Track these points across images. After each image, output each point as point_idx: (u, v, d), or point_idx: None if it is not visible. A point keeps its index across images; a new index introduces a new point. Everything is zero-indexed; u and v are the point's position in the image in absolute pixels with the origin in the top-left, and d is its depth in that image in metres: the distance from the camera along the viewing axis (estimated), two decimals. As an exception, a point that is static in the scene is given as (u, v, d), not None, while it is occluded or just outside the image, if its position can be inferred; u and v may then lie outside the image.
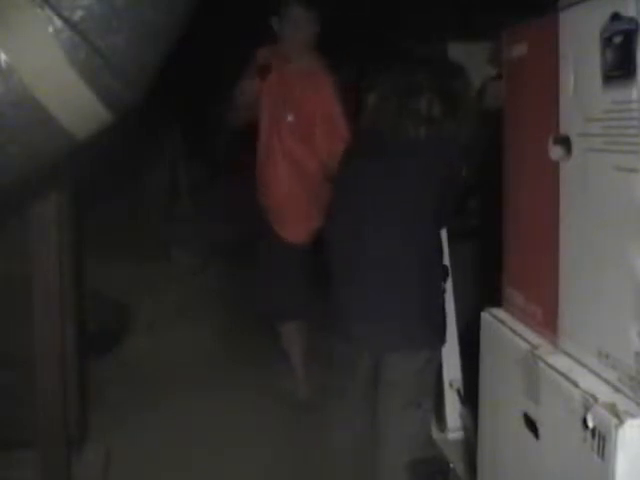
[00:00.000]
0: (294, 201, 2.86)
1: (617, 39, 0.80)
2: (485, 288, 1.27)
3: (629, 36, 0.78)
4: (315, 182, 2.81)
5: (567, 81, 0.91)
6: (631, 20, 0.77)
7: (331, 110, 2.79)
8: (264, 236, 2.95)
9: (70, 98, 1.08)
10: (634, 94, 0.78)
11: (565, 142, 0.92)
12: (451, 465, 1.95)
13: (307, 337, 2.95)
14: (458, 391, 2.07)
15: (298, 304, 2.88)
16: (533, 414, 0.97)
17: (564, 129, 0.93)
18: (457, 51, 2.21)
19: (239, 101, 2.87)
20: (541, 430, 0.95)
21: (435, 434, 2.10)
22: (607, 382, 0.85)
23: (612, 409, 0.79)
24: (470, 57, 2.20)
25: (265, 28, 2.82)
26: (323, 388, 2.42)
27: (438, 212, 1.95)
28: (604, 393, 0.82)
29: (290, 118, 2.81)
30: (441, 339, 1.97)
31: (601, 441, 0.79)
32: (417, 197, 1.90)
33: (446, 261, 2.07)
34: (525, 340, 1.03)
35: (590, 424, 0.80)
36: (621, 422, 0.76)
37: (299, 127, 2.81)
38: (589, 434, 0.81)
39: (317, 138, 2.79)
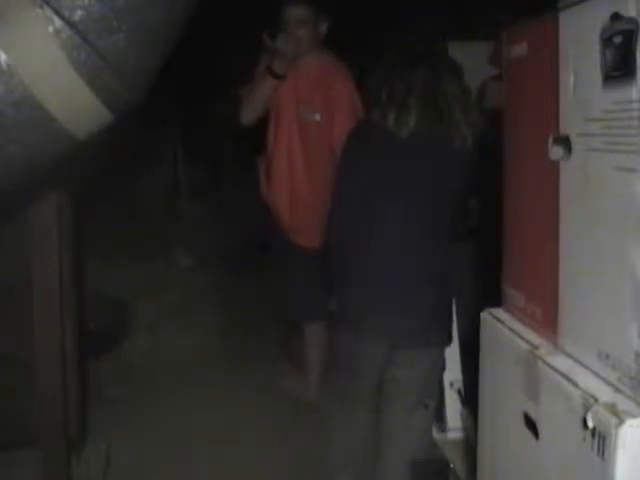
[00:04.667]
0: (313, 210, 2.74)
1: (617, 39, 0.80)
2: (485, 288, 1.27)
3: (629, 36, 0.78)
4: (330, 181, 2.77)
5: (567, 81, 0.91)
6: (631, 20, 0.77)
7: (351, 99, 2.70)
8: (277, 238, 2.93)
9: (70, 98, 1.08)
10: (634, 94, 0.78)
11: (565, 142, 0.92)
12: (451, 465, 1.95)
13: (326, 338, 2.93)
14: (459, 391, 2.08)
15: (321, 304, 2.86)
16: (533, 414, 0.97)
17: (564, 129, 0.93)
18: (457, 51, 2.21)
19: (255, 101, 2.78)
20: (541, 430, 0.95)
21: (436, 434, 2.10)
22: (607, 382, 0.85)
23: (612, 409, 0.79)
24: (470, 57, 2.19)
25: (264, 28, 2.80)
26: (328, 388, 2.42)
27: (452, 210, 1.95)
28: (604, 393, 0.82)
29: (318, 117, 2.72)
30: (449, 337, 1.98)
31: (601, 441, 0.79)
32: (436, 195, 1.90)
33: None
34: (525, 340, 1.03)
35: (590, 424, 0.80)
36: (621, 422, 0.76)
37: (326, 126, 2.70)
38: (589, 434, 0.81)
39: (333, 132, 2.67)
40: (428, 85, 1.87)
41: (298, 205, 2.82)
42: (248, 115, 2.82)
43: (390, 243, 1.90)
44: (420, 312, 1.89)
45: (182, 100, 4.33)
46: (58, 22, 1.02)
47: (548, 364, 0.94)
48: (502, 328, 1.10)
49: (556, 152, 0.95)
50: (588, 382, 0.86)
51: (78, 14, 1.02)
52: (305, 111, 2.74)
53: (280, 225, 2.89)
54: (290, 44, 2.66)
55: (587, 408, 0.81)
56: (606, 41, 0.82)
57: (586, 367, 0.89)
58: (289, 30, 2.67)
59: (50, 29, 1.02)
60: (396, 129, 1.86)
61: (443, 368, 2.05)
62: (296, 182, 2.80)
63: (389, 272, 1.90)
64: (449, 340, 1.98)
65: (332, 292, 2.09)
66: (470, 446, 1.77)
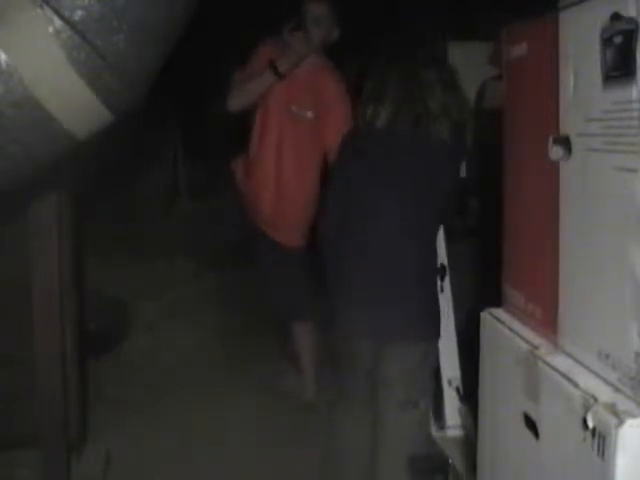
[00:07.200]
0: (299, 207, 2.78)
1: (617, 39, 0.80)
2: (485, 288, 1.27)
3: (629, 36, 0.78)
4: (318, 182, 2.78)
5: (567, 81, 0.91)
6: (631, 20, 0.77)
7: (343, 100, 2.70)
8: (263, 238, 2.92)
9: (70, 98, 1.08)
10: (634, 94, 0.78)
11: (565, 142, 0.92)
12: (450, 461, 1.95)
13: (317, 338, 2.93)
14: (457, 389, 2.07)
15: (311, 304, 2.85)
16: (533, 414, 0.97)
17: (564, 129, 0.93)
18: (457, 51, 2.21)
19: (249, 91, 2.74)
20: (541, 430, 0.95)
21: (434, 432, 2.10)
22: (607, 382, 0.85)
23: (612, 409, 0.79)
24: (470, 57, 2.19)
25: (264, 27, 2.80)
26: (325, 388, 2.41)
27: (442, 210, 1.96)
28: (604, 393, 0.82)
29: (310, 115, 2.71)
30: (437, 332, 1.98)
31: (601, 441, 0.79)
32: (424, 195, 1.91)
33: (445, 261, 2.07)
34: (525, 340, 1.03)
35: (590, 424, 0.80)
36: (621, 422, 0.76)
37: (319, 124, 2.71)
38: (589, 434, 0.81)
39: (327, 132, 2.67)
40: (405, 82, 1.92)
41: (284, 201, 2.79)
42: (236, 103, 2.75)
43: (377, 240, 1.92)
44: (410, 309, 1.90)
45: (182, 100, 4.33)
46: (58, 22, 1.02)
47: (548, 364, 0.94)
48: (502, 328, 1.10)
49: (556, 152, 0.95)
50: (588, 382, 0.86)
51: (78, 14, 1.02)
52: (297, 110, 2.73)
53: (260, 220, 2.85)
54: (305, 45, 2.65)
55: (587, 408, 0.81)
56: (606, 41, 0.82)
57: (586, 367, 0.89)
58: (308, 30, 2.66)
59: (50, 29, 1.02)
60: (372, 125, 1.91)
61: (434, 365, 2.05)
62: (283, 177, 2.78)
63: (381, 271, 1.91)
64: (437, 335, 1.99)
65: (321, 291, 2.10)
66: (469, 444, 1.77)
